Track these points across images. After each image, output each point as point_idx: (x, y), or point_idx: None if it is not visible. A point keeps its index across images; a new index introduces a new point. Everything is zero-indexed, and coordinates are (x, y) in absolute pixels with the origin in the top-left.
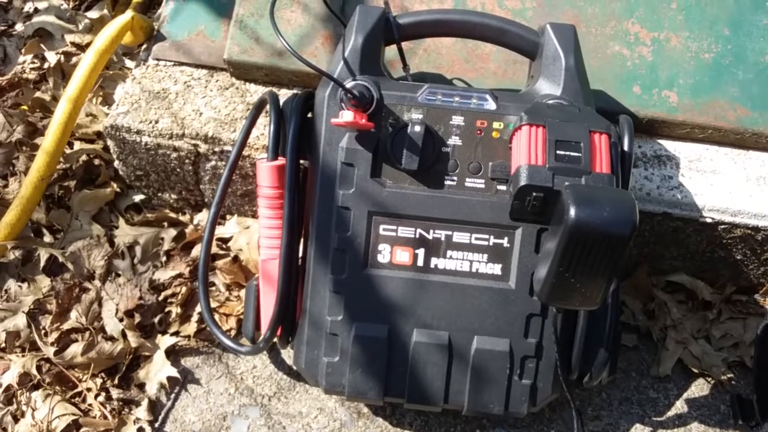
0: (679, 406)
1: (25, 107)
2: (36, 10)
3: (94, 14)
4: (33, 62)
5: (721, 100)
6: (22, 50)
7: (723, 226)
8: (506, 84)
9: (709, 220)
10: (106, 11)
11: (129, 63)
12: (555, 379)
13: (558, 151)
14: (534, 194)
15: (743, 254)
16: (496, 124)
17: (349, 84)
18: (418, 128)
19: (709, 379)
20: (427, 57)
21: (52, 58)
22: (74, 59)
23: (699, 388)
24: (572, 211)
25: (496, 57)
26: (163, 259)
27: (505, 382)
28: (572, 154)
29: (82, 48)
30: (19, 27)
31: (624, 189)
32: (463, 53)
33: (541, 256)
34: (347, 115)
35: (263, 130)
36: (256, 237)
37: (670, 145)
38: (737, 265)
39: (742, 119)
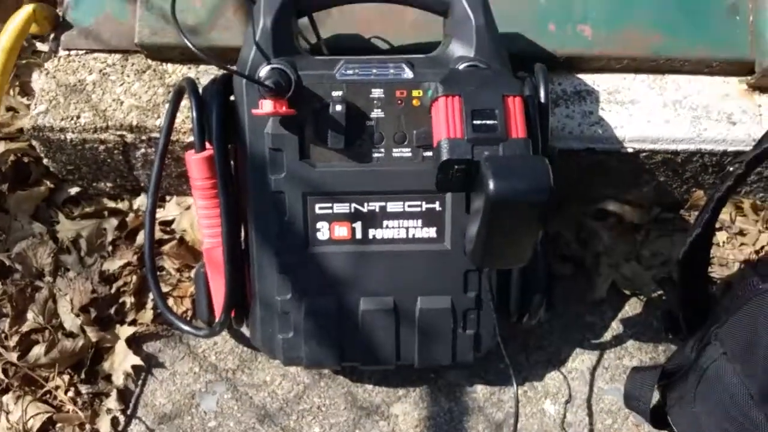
0: (615, 327)
1: None
2: None
3: None
4: None
5: (634, 28)
6: None
7: (644, 154)
8: (425, 36)
9: (630, 150)
10: None
11: (41, 46)
12: (496, 325)
13: (474, 121)
14: (456, 167)
15: (666, 176)
16: (415, 92)
17: (263, 72)
18: (339, 107)
19: (641, 298)
20: (342, 17)
21: None
22: None
23: (632, 308)
24: (491, 186)
25: (413, 8)
26: (110, 248)
27: (451, 336)
28: (488, 122)
29: None
30: None
31: (544, 142)
32: (378, 9)
33: (471, 215)
34: (267, 105)
35: (188, 113)
36: None
37: (589, 79)
38: (661, 186)
39: (655, 46)
